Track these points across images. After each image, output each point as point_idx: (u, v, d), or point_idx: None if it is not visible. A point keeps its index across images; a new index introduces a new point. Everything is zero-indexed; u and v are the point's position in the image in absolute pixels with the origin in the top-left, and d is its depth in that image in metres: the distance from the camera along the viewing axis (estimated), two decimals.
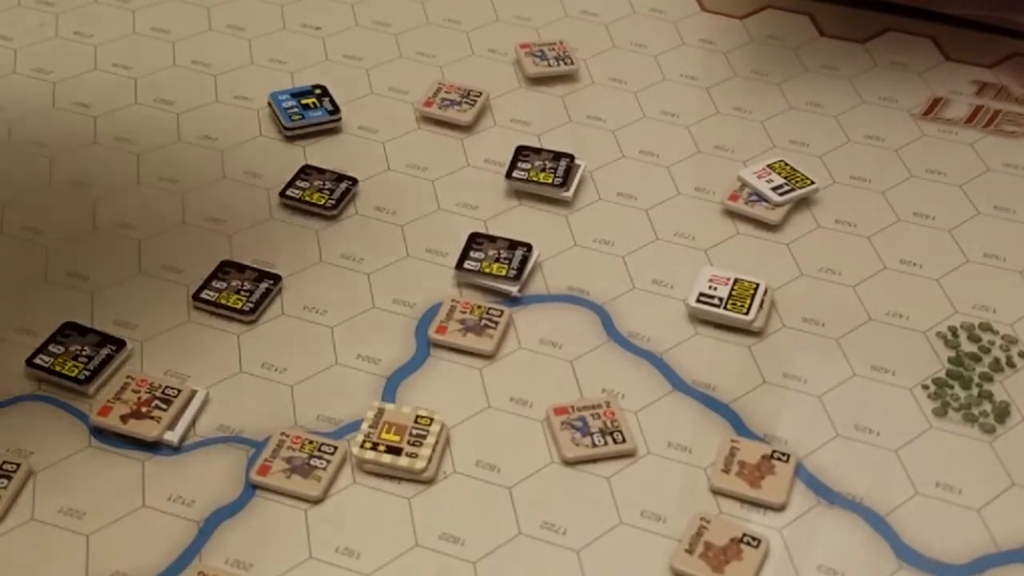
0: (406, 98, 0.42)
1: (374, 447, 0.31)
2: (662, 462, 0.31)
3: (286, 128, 0.40)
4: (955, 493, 0.30)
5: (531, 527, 0.30)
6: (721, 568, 0.28)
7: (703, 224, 0.37)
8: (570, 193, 0.38)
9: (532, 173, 0.38)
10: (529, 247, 0.36)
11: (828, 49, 0.44)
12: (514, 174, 0.38)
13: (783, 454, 0.31)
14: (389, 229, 0.37)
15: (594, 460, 0.31)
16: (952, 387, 0.33)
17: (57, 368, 0.32)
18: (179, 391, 0.32)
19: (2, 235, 0.37)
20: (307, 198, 0.38)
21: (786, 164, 0.35)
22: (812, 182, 0.35)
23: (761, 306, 0.34)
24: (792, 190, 0.35)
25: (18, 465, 0.30)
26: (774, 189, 0.34)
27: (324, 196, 0.38)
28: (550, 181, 0.38)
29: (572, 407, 0.32)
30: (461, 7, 0.46)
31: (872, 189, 0.39)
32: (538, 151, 0.39)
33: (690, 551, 0.29)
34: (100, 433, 0.31)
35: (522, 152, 0.39)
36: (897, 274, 0.36)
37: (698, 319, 0.34)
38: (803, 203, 0.38)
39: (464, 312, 0.34)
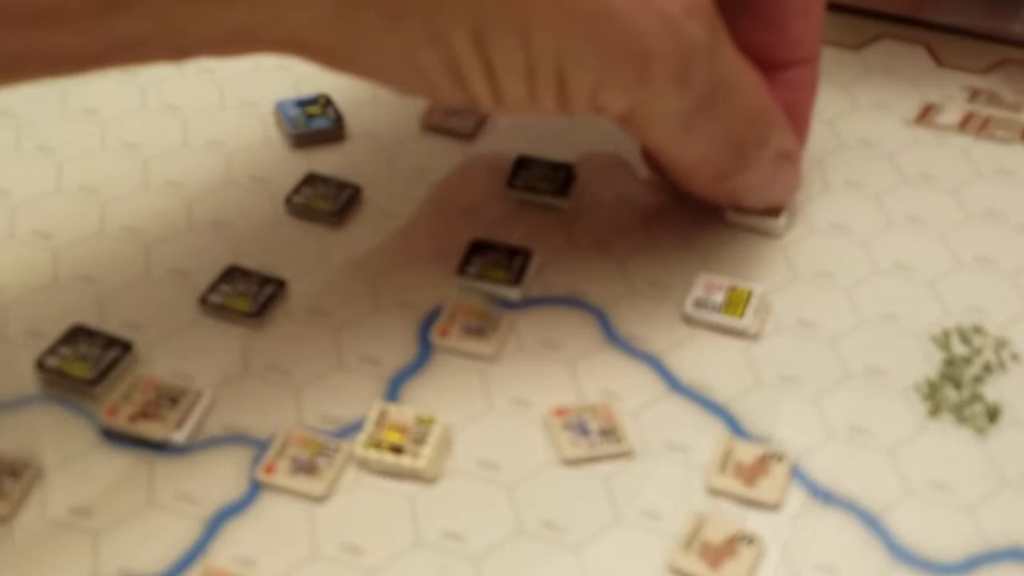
0: (410, 107, 0.42)
1: (377, 447, 0.31)
2: (660, 462, 0.31)
3: (291, 136, 0.41)
4: (948, 493, 0.31)
5: (531, 525, 0.30)
6: (718, 566, 0.29)
7: (699, 228, 0.38)
8: (569, 202, 0.39)
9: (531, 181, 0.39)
10: (529, 252, 0.37)
11: (823, 55, 0.44)
12: (515, 182, 0.39)
13: (778, 454, 0.31)
14: (392, 235, 0.38)
15: (593, 460, 0.31)
16: (944, 388, 0.33)
17: (66, 369, 0.33)
18: (186, 392, 0.32)
19: (13, 239, 0.37)
20: (312, 205, 0.38)
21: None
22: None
23: (756, 310, 0.35)
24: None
25: (27, 464, 0.31)
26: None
27: (329, 203, 0.38)
28: (550, 191, 0.39)
29: (572, 408, 0.32)
30: None
31: (866, 193, 0.39)
32: (537, 162, 0.40)
33: (687, 549, 0.29)
34: (108, 433, 0.32)
35: (522, 162, 0.40)
36: (890, 277, 0.37)
37: (695, 322, 0.35)
38: (797, 208, 0.38)
39: (466, 316, 0.35)
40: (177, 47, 0.28)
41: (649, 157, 0.38)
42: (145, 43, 0.27)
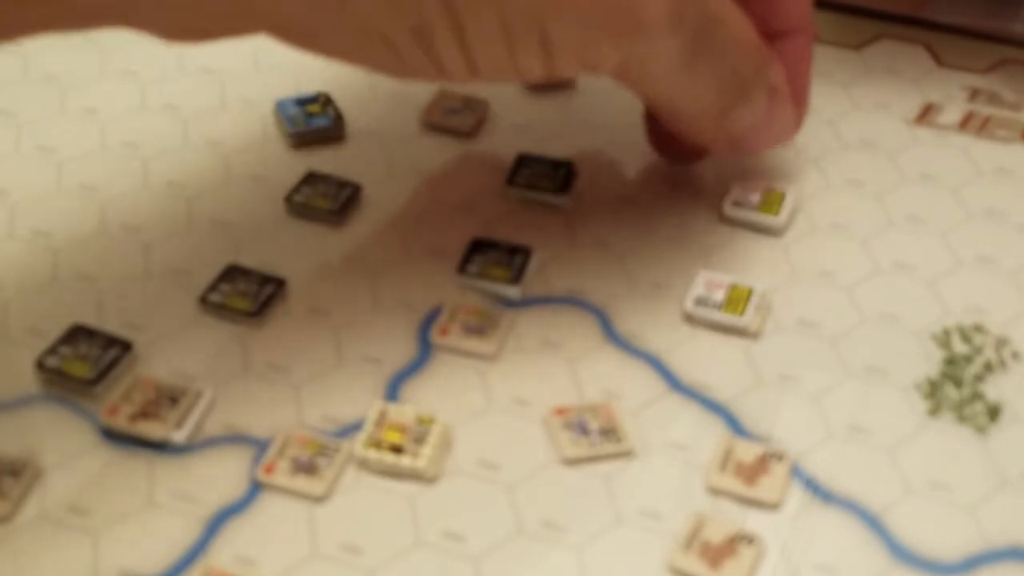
0: (410, 106, 0.42)
1: (377, 446, 0.31)
2: (660, 461, 0.31)
3: (291, 135, 0.41)
4: (948, 492, 0.31)
5: (531, 525, 0.30)
6: (718, 566, 0.29)
7: (699, 226, 0.38)
8: (569, 200, 0.39)
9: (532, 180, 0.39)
10: (529, 250, 0.37)
11: (823, 55, 0.45)
12: (515, 180, 0.39)
13: (779, 454, 0.31)
14: (392, 234, 0.38)
15: (593, 460, 0.31)
16: (945, 387, 0.33)
17: (66, 369, 0.33)
18: (185, 391, 0.32)
19: (13, 239, 0.37)
20: (312, 204, 0.38)
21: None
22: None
23: (757, 308, 0.35)
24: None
25: (27, 464, 0.31)
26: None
27: (329, 202, 0.38)
28: (550, 189, 0.38)
29: (572, 408, 0.32)
30: None
31: (866, 193, 0.39)
32: (537, 160, 0.40)
33: (687, 549, 0.29)
34: (108, 433, 0.32)
35: (523, 160, 0.40)
36: (891, 276, 0.37)
37: (695, 321, 0.35)
38: (798, 207, 0.38)
39: (466, 315, 0.35)
40: (140, 21, 0.27)
41: (652, 133, 0.38)
42: (109, 13, 0.27)
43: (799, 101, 0.37)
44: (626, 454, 0.31)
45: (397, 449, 0.31)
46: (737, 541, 0.29)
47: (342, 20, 0.29)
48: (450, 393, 0.33)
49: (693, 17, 0.31)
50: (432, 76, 0.30)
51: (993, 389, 0.33)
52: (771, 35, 0.35)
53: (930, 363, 0.34)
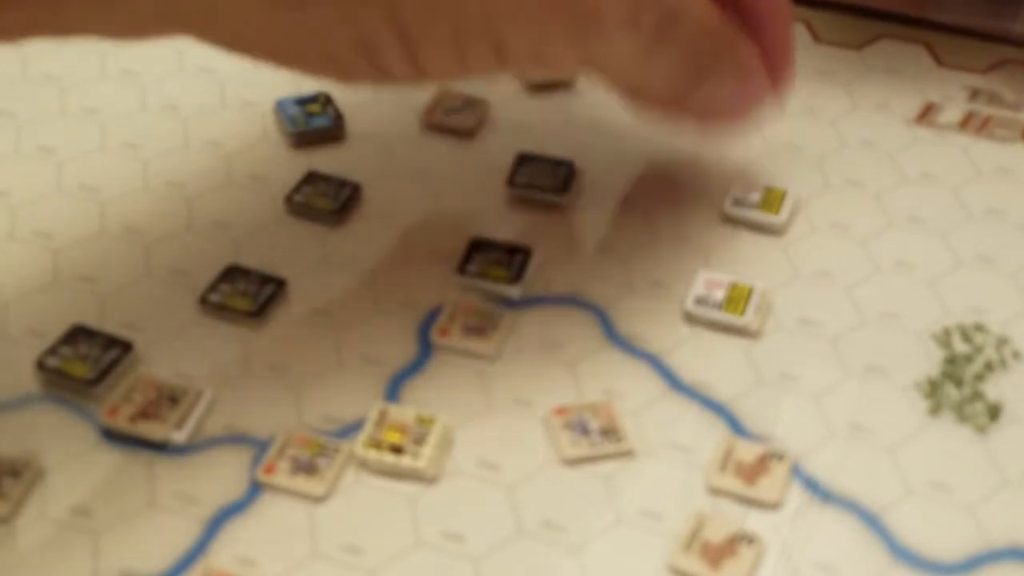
0: (409, 105, 0.42)
1: (377, 447, 0.31)
2: (660, 461, 0.31)
3: (291, 134, 0.41)
4: (948, 492, 0.31)
5: (531, 525, 0.30)
6: (718, 566, 0.29)
7: (700, 225, 0.38)
8: (567, 199, 0.38)
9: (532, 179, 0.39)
10: (529, 250, 0.36)
11: (823, 55, 0.45)
12: (515, 180, 0.39)
13: (779, 453, 0.31)
14: (392, 233, 0.38)
15: (593, 460, 0.31)
16: (945, 387, 0.33)
17: (66, 369, 0.33)
18: (186, 392, 0.32)
19: (13, 239, 0.37)
20: (312, 203, 0.38)
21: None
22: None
23: (757, 308, 0.35)
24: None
25: (27, 464, 0.31)
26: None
27: (329, 201, 0.38)
28: (550, 189, 0.38)
29: (572, 408, 0.32)
30: None
31: (866, 192, 0.39)
32: (537, 159, 0.40)
33: (687, 549, 0.29)
34: (108, 433, 0.32)
35: (523, 160, 0.40)
36: (891, 276, 0.37)
37: (696, 320, 0.35)
38: (798, 207, 0.38)
39: (466, 315, 0.35)
40: (70, 31, 0.27)
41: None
42: (34, 27, 0.26)
43: (781, 64, 0.35)
44: (626, 454, 0.31)
45: (397, 449, 0.31)
46: (737, 541, 0.29)
47: (285, 35, 0.28)
48: (450, 393, 0.33)
49: (652, 13, 0.30)
50: (376, 82, 0.30)
51: (993, 389, 0.33)
52: (741, 9, 0.34)
53: (930, 363, 0.34)
